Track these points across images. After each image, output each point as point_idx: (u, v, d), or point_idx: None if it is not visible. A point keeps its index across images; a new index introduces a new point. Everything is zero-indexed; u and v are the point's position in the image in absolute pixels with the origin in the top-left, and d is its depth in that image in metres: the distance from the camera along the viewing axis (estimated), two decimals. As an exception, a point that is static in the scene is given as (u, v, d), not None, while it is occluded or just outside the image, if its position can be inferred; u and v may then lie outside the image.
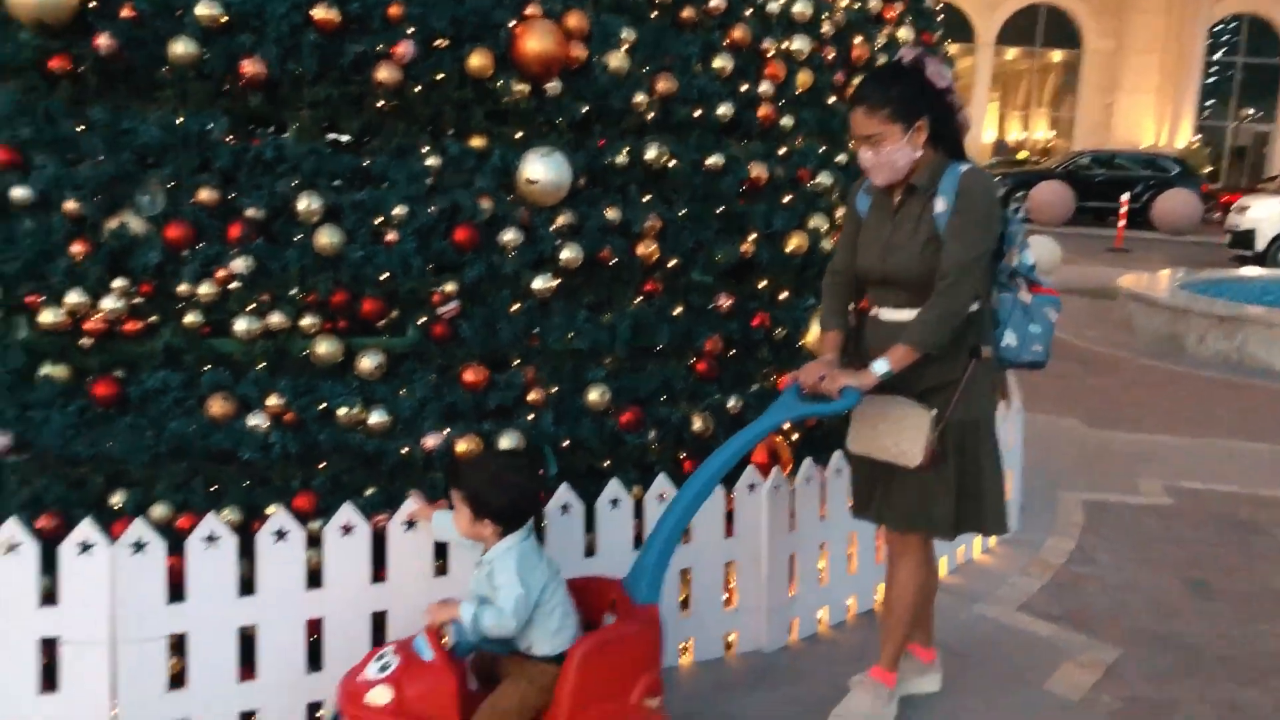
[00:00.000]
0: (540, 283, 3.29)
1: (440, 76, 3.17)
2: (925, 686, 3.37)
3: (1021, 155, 31.62)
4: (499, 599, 2.61)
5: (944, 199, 2.86)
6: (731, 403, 3.62)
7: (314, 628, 2.95)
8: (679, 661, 3.48)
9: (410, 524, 2.99)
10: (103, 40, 2.87)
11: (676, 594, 3.45)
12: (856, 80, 4.12)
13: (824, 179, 3.96)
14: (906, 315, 2.92)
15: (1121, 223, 19.12)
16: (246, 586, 2.88)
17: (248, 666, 2.91)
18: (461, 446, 3.13)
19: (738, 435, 2.98)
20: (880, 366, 2.86)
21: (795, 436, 3.85)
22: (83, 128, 2.90)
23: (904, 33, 4.45)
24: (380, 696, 2.53)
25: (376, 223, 3.08)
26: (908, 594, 3.15)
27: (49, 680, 2.77)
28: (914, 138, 2.87)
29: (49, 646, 2.76)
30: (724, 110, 3.66)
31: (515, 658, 2.71)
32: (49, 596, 2.75)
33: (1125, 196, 20.09)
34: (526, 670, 2.67)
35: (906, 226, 2.93)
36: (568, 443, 3.35)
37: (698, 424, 3.54)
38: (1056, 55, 32.34)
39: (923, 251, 2.88)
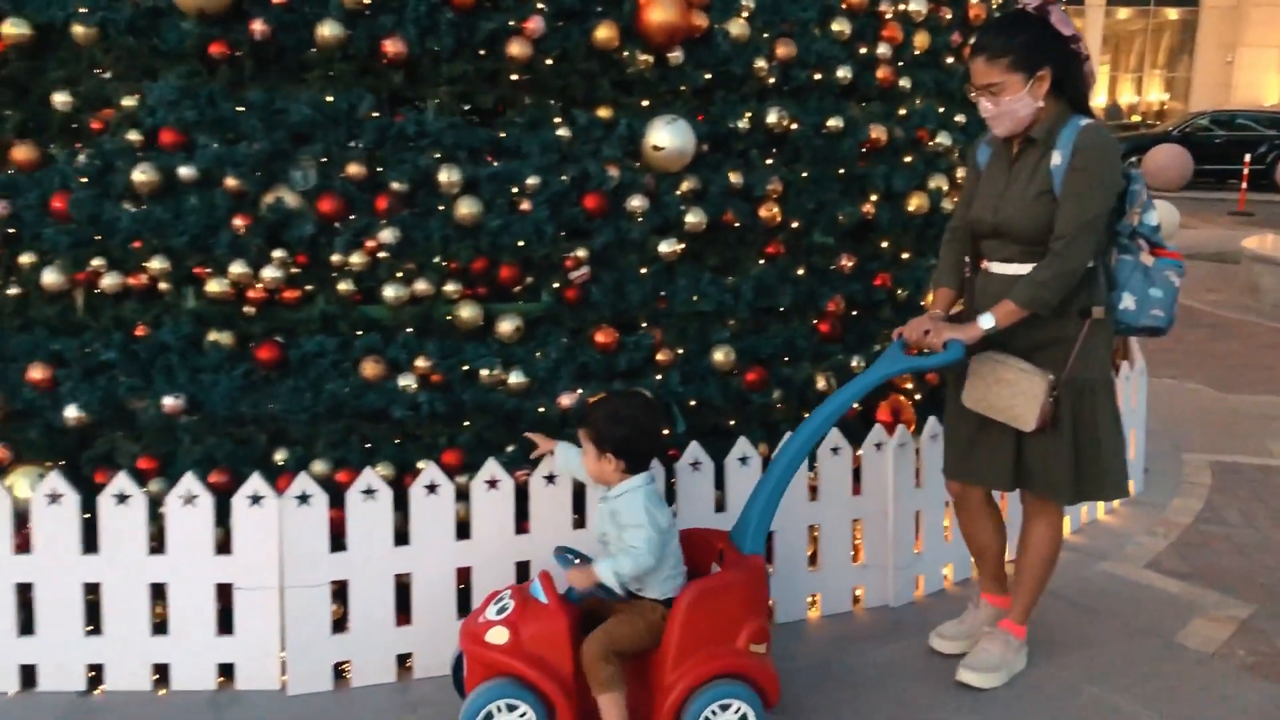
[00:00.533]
0: (666, 247, 3.39)
1: (569, 49, 3.28)
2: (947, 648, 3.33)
3: (1134, 119, 30.57)
4: (630, 538, 2.69)
5: (1061, 153, 2.84)
6: (855, 362, 3.68)
7: (462, 576, 3.12)
8: (807, 615, 3.57)
9: (550, 478, 3.14)
10: (257, 25, 3.06)
11: (805, 550, 3.53)
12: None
13: (943, 139, 3.97)
14: (1016, 269, 2.92)
15: (1244, 185, 18.39)
16: (400, 537, 3.06)
17: (403, 613, 3.09)
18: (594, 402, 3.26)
19: (842, 390, 3.03)
20: (986, 321, 2.87)
21: (918, 396, 3.89)
22: (241, 109, 3.09)
23: (1021, -10, 4.41)
24: (498, 636, 2.65)
25: (512, 193, 3.22)
26: (1040, 553, 3.17)
27: (224, 624, 3.00)
28: (1035, 88, 2.84)
29: (224, 592, 2.99)
30: (843, 73, 3.70)
31: (626, 601, 2.79)
32: (222, 546, 2.97)
33: (1248, 157, 19.30)
34: (637, 607, 2.76)
35: (1021, 178, 2.92)
36: (694, 402, 3.45)
37: (821, 383, 3.61)
38: (1172, 13, 31.12)
39: (1034, 204, 2.87)
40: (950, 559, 3.82)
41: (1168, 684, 3.17)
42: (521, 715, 2.61)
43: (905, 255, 3.87)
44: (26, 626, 2.97)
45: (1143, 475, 4.88)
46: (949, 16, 4.07)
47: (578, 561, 2.78)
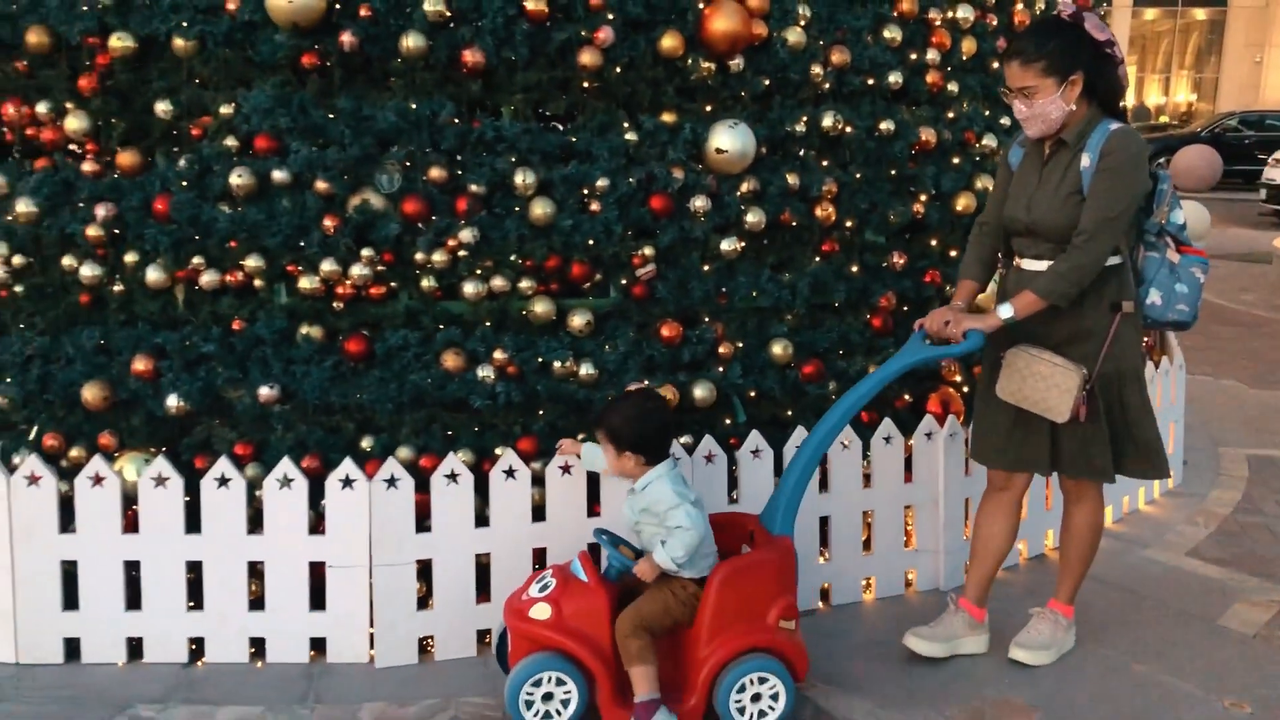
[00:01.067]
0: (727, 245, 3.56)
1: (636, 58, 3.46)
2: (976, 647, 3.35)
3: (1162, 120, 30.49)
4: (673, 520, 2.80)
5: (1090, 155, 2.96)
6: (906, 355, 3.83)
7: (538, 556, 3.30)
8: (863, 597, 3.72)
9: (566, 469, 3.29)
10: (346, 37, 3.25)
11: (859, 535, 3.69)
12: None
13: (989, 141, 4.12)
14: (1047, 266, 3.03)
15: (1274, 185, 18.34)
16: (479, 520, 3.24)
17: (483, 591, 3.27)
18: (665, 395, 3.43)
19: (866, 379, 3.14)
20: (1005, 311, 3.00)
21: (966, 389, 4.04)
22: (330, 116, 3.29)
23: (1063, -3, 4.56)
24: (541, 612, 2.80)
25: (583, 194, 3.40)
26: (1083, 536, 3.30)
27: (316, 600, 3.18)
28: (1068, 92, 2.94)
29: (315, 570, 3.17)
30: (894, 78, 3.86)
31: (660, 579, 2.89)
32: (314, 527, 3.16)
33: (1277, 157, 19.26)
34: (670, 583, 2.87)
35: (1053, 179, 3.04)
36: (754, 393, 3.62)
37: (874, 375, 3.76)
38: (1200, 14, 31.03)
39: (1065, 204, 2.99)
40: (1024, 534, 3.94)
41: (1212, 663, 3.30)
42: (563, 687, 2.77)
43: (953, 253, 4.02)
44: (134, 602, 3.16)
45: (1181, 467, 5.00)
46: (995, 23, 4.22)
47: (634, 553, 2.93)
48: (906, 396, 3.88)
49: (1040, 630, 3.32)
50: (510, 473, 3.23)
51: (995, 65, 4.23)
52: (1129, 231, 3.05)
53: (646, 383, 3.39)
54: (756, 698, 2.83)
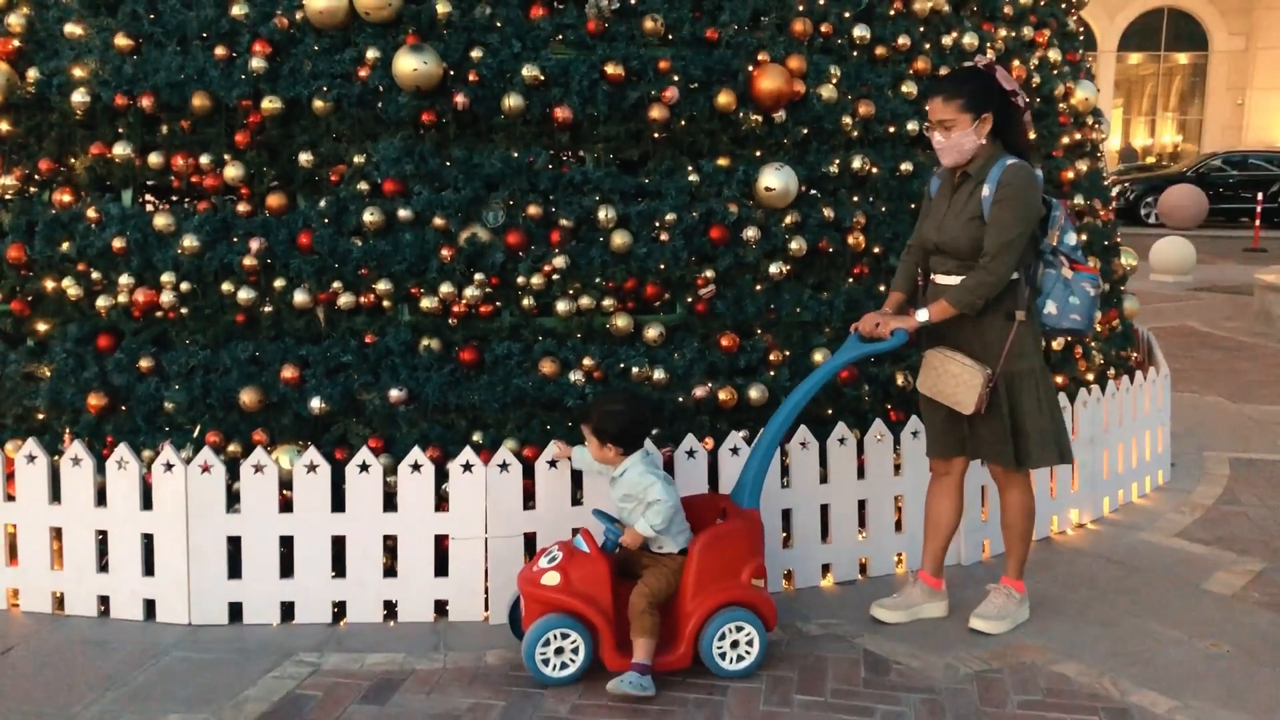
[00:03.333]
0: (775, 268, 4.19)
1: (696, 112, 4.11)
2: (934, 612, 3.84)
3: (1149, 160, 31.37)
4: (650, 495, 3.32)
5: (989, 186, 3.46)
6: (927, 362, 4.45)
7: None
8: (895, 570, 4.31)
9: (735, 451, 3.90)
10: (459, 98, 3.90)
11: (891, 517, 4.28)
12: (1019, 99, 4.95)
13: (993, 179, 4.77)
14: (955, 280, 3.54)
15: (1257, 223, 19.13)
16: (573, 500, 3.83)
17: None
18: (723, 396, 4.04)
19: (814, 373, 3.70)
20: (922, 315, 3.58)
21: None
22: (446, 163, 3.93)
23: (1053, 54, 5.24)
24: (551, 579, 3.28)
25: (654, 226, 4.03)
26: (1020, 514, 3.77)
27: (440, 567, 3.77)
28: (979, 127, 3.47)
29: (440, 542, 3.76)
30: (912, 126, 4.52)
31: (649, 555, 3.42)
32: (437, 505, 3.75)
33: (1260, 196, 20.06)
34: (663, 561, 3.39)
35: (959, 205, 3.55)
36: (800, 395, 4.22)
37: (900, 380, 4.38)
38: (1182, 58, 32.04)
39: (967, 227, 3.49)
40: (1010, 527, 4.55)
41: (1195, 616, 3.90)
42: (572, 642, 3.26)
43: (965, 275, 4.65)
44: (286, 570, 3.75)
45: (1170, 467, 5.61)
46: (995, 78, 4.89)
47: (616, 525, 3.41)
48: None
49: (994, 602, 3.80)
50: (735, 451, 3.84)
51: (997, 114, 4.90)
52: (1027, 251, 3.52)
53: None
54: (735, 644, 3.35)
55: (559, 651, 3.28)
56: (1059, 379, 4.95)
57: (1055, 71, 5.29)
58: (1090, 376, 5.18)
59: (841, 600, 4.02)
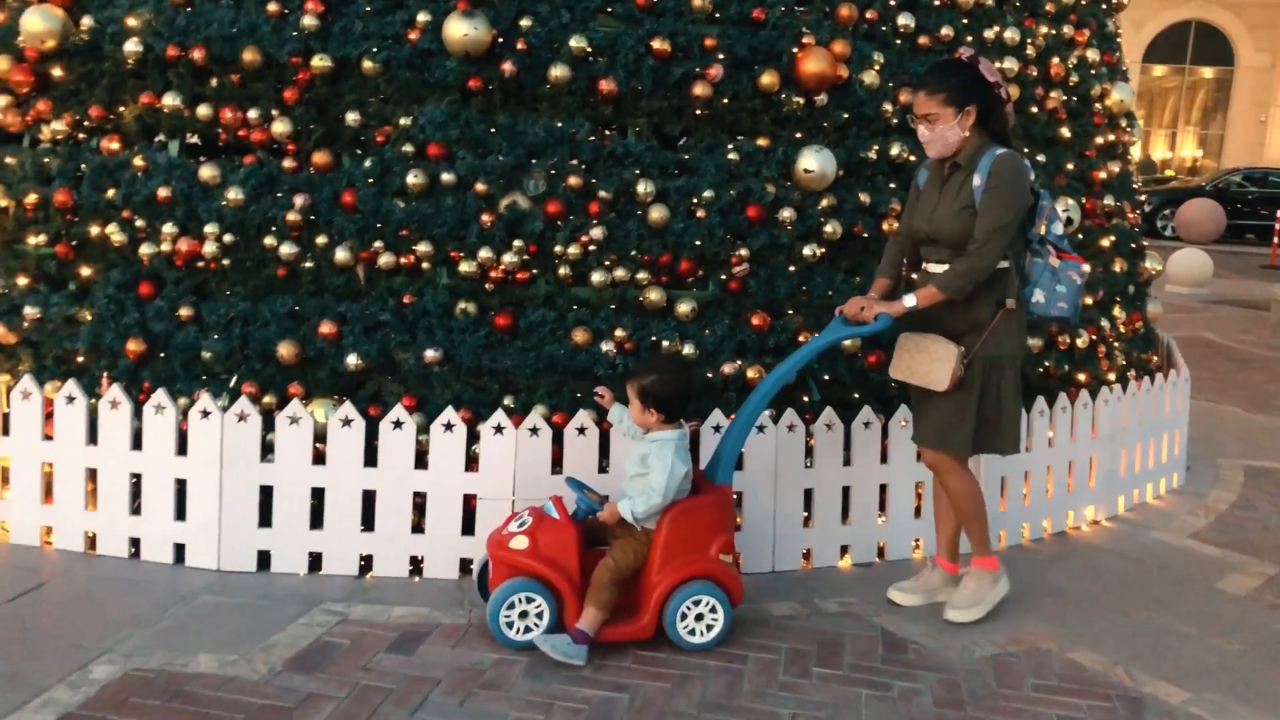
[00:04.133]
0: (809, 250, 4.22)
1: (739, 91, 4.14)
2: (950, 597, 3.79)
3: (1168, 174, 31.30)
4: (653, 480, 3.29)
5: (979, 176, 3.47)
6: (954, 351, 4.49)
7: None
8: (912, 554, 4.35)
9: (762, 429, 3.96)
10: (506, 66, 3.94)
11: (912, 503, 4.32)
12: (1055, 94, 4.99)
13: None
14: (945, 268, 3.55)
15: (1276, 240, 19.10)
16: (600, 467, 3.89)
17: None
18: (751, 374, 4.09)
19: (795, 353, 3.70)
20: (909, 300, 3.58)
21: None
22: (490, 130, 3.97)
23: (1092, 54, 5.27)
24: (519, 543, 3.29)
25: (692, 202, 4.07)
26: (962, 498, 3.71)
27: (468, 525, 3.82)
28: (963, 120, 3.49)
29: (468, 501, 3.81)
30: (950, 117, 4.55)
31: (623, 525, 3.37)
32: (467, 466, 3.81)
33: (1280, 213, 20.02)
34: (634, 534, 3.36)
35: (949, 196, 3.56)
36: (827, 377, 4.27)
37: (927, 367, 4.42)
38: (1207, 72, 31.95)
39: (958, 217, 3.51)
40: (1026, 519, 4.60)
41: (1208, 614, 3.94)
42: (536, 606, 3.27)
43: (995, 268, 4.69)
44: (315, 522, 3.80)
45: (1185, 471, 5.65)
46: (1034, 73, 4.92)
47: (599, 497, 3.42)
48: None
49: (967, 588, 3.77)
50: (717, 429, 3.88)
51: (1034, 110, 4.93)
52: (1016, 240, 3.55)
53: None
54: (700, 618, 3.35)
55: (523, 615, 3.29)
56: (1081, 376, 5.00)
57: (1093, 71, 5.31)
58: (1111, 376, 5.22)
59: (860, 580, 4.07)
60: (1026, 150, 4.91)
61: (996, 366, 3.59)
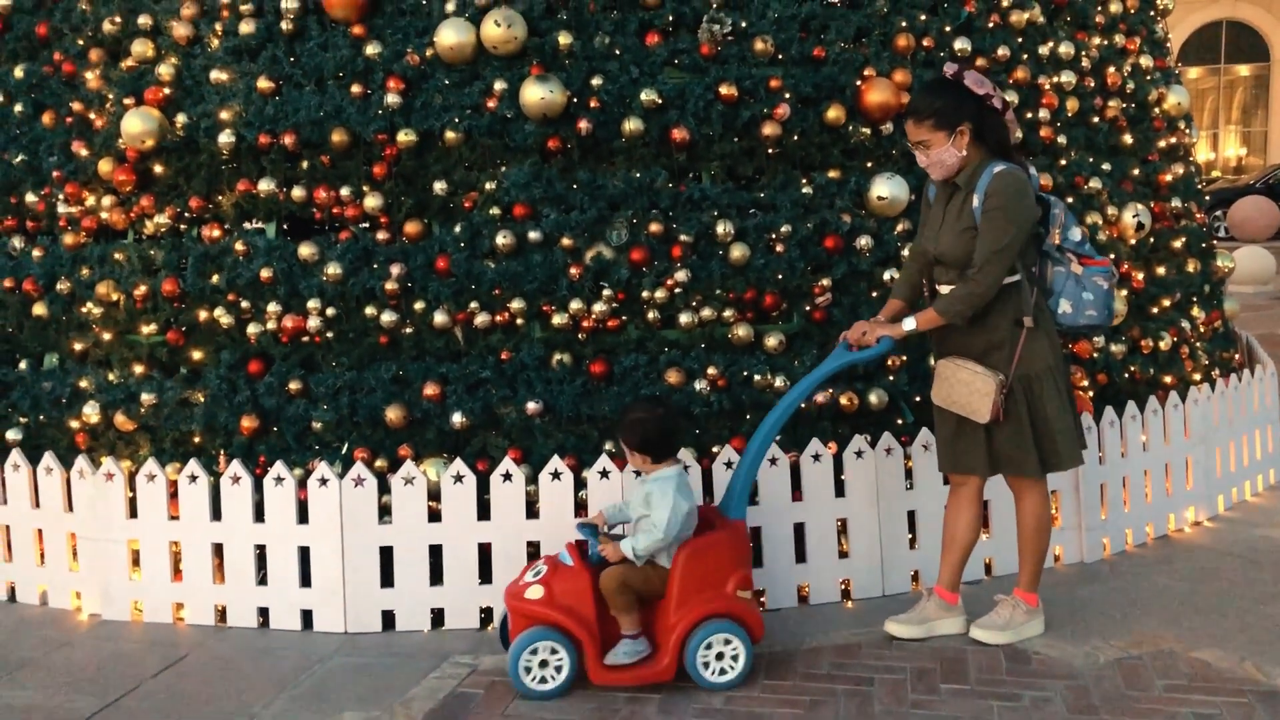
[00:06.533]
0: (888, 275, 4.30)
1: (807, 127, 4.26)
2: (952, 628, 3.70)
3: (1214, 174, 30.94)
4: (656, 517, 3.28)
5: (978, 195, 3.42)
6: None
7: (754, 535, 4.01)
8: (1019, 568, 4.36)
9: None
10: (582, 124, 4.09)
11: (1013, 517, 4.33)
12: (1113, 103, 5.05)
13: (1094, 184, 4.86)
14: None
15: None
16: (706, 505, 3.95)
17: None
18: (843, 401, 4.15)
19: (801, 382, 3.65)
20: (909, 324, 3.53)
21: (1090, 393, 4.71)
22: (572, 186, 4.11)
23: (1145, 61, 5.33)
24: (535, 593, 3.32)
25: (770, 238, 4.17)
26: (1029, 529, 3.67)
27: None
28: (957, 140, 3.42)
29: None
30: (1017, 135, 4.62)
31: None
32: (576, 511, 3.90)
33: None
34: (646, 571, 3.36)
35: (951, 217, 3.51)
36: (918, 398, 4.32)
37: (1015, 381, 4.45)
38: (1243, 69, 31.66)
39: (960, 238, 3.46)
40: (1129, 525, 4.59)
41: (1330, 602, 3.92)
42: (556, 655, 3.28)
43: (1072, 277, 4.73)
44: (435, 578, 3.91)
45: (1280, 466, 5.60)
46: (1092, 84, 5.00)
47: (604, 533, 3.44)
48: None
49: (1000, 614, 3.69)
50: (729, 465, 3.96)
51: (1095, 120, 4.99)
52: (1029, 253, 3.49)
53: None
54: (720, 656, 3.32)
55: (543, 664, 3.30)
56: (1167, 379, 5.00)
57: (1148, 77, 5.37)
58: (1197, 376, 5.21)
59: (971, 598, 4.01)
60: (1091, 160, 4.97)
61: (1035, 381, 3.51)
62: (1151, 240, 5.16)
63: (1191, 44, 30.68)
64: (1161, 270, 5.20)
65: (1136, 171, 5.18)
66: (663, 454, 3.43)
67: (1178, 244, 5.32)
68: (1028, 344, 3.48)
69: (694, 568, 3.34)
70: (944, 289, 3.57)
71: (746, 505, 3.59)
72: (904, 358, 4.31)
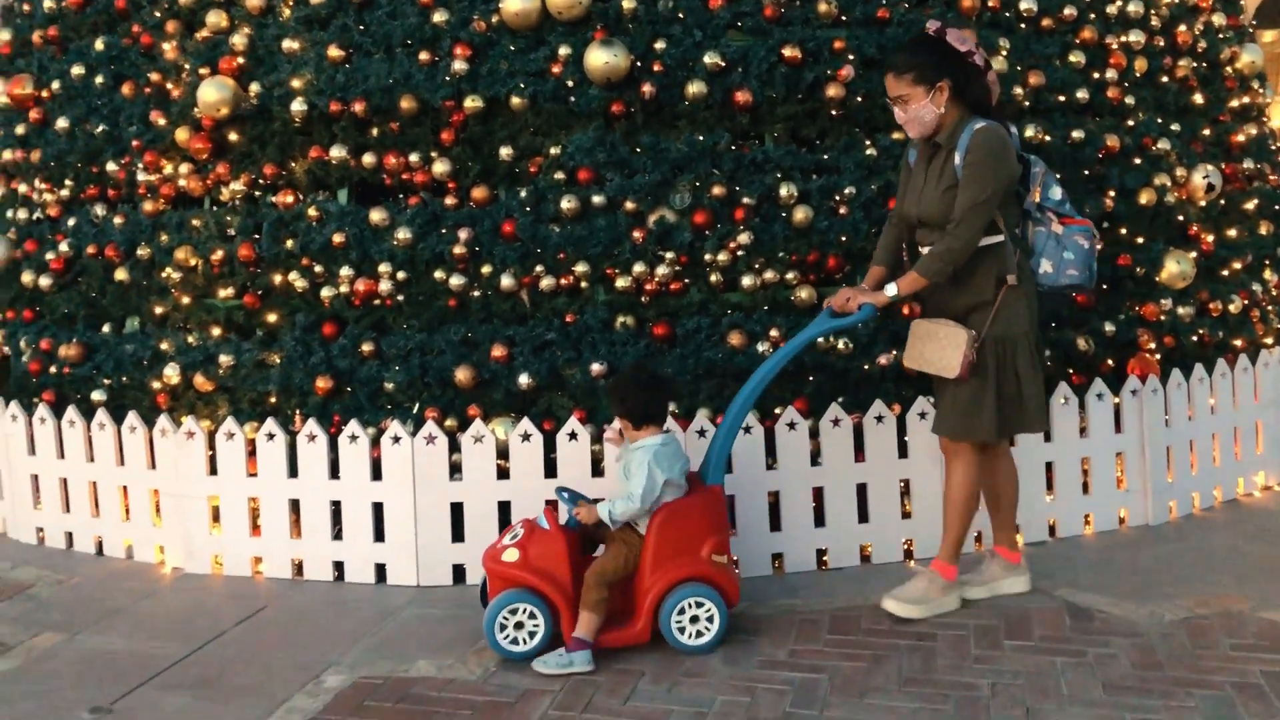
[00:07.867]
0: (952, 238, 4.29)
1: (871, 89, 4.25)
2: (1015, 587, 3.71)
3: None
4: (631, 486, 3.30)
5: (959, 153, 3.37)
6: (1108, 327, 4.49)
7: (817, 495, 4.05)
8: (1083, 530, 4.36)
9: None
10: (645, 88, 4.13)
11: (1079, 479, 4.33)
12: (1183, 62, 4.97)
13: (1163, 145, 4.79)
14: None
15: None
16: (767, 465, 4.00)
17: (773, 522, 4.03)
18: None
19: (781, 348, 3.63)
20: (891, 289, 3.47)
21: (1158, 357, 4.67)
22: (635, 150, 4.15)
23: (1217, 19, 5.23)
24: (511, 556, 3.33)
25: (834, 200, 4.18)
26: (959, 494, 3.57)
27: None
28: (936, 97, 3.36)
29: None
30: (1081, 95, 4.58)
31: (622, 529, 3.37)
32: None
33: None
34: (625, 538, 3.37)
35: (933, 177, 3.45)
36: (980, 361, 4.31)
37: (1081, 344, 4.43)
38: (1321, 32, 30.63)
39: (943, 198, 3.40)
40: (1196, 488, 4.55)
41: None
42: (531, 617, 3.29)
43: (1139, 239, 4.69)
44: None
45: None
46: (1161, 44, 4.92)
47: (580, 501, 3.42)
48: (1110, 361, 4.53)
49: (916, 586, 3.60)
50: (792, 425, 4.00)
51: (1164, 80, 4.92)
52: (1011, 212, 3.45)
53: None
54: (695, 619, 3.32)
55: (519, 626, 3.31)
56: (1237, 342, 4.93)
57: (1220, 36, 5.27)
58: (1269, 340, 5.13)
59: (1035, 558, 4.03)
60: (1160, 120, 4.90)
61: (1010, 344, 3.46)
62: (1223, 202, 5.08)
63: (1267, 5, 29.73)
64: (1233, 232, 5.11)
65: (1207, 132, 5.09)
66: (641, 421, 3.41)
67: (1250, 206, 5.23)
68: (1009, 303, 3.43)
69: (669, 532, 3.35)
70: (926, 249, 3.50)
71: (724, 471, 3.59)
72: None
